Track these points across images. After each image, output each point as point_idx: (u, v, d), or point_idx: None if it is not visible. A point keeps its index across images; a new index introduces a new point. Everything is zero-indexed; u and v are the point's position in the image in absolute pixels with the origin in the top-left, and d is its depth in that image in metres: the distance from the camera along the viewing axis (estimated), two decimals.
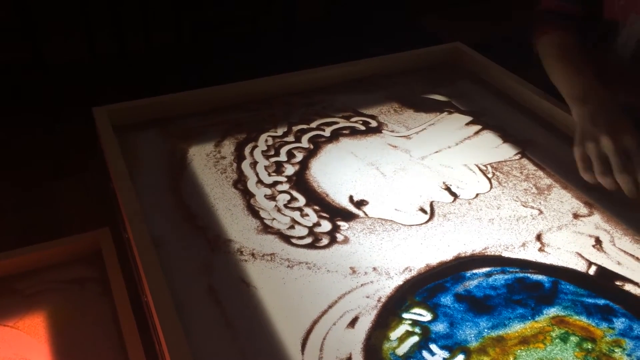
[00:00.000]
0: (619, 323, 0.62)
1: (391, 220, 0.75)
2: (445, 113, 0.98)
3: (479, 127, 0.94)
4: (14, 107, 1.90)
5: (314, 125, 0.94)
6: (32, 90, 2.06)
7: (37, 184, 1.44)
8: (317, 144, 0.90)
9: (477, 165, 0.85)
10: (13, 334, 0.75)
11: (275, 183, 0.82)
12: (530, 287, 0.66)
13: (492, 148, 0.89)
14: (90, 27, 2.23)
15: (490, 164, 0.86)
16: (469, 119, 0.96)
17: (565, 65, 0.90)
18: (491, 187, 0.81)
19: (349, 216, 0.76)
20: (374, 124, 0.95)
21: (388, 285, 0.66)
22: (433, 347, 0.59)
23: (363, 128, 0.94)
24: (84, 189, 1.32)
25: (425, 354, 0.58)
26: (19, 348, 0.73)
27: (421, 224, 0.75)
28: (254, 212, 0.76)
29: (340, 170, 0.84)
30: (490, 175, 0.84)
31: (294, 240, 0.72)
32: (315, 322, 0.61)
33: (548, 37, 0.96)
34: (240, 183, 0.82)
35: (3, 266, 0.82)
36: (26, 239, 0.85)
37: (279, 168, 0.85)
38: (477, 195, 0.80)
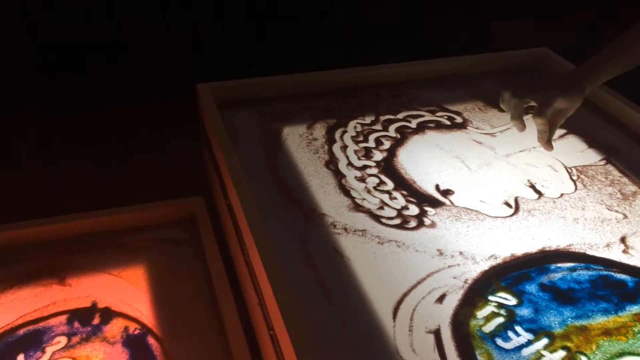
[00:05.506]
0: None
1: (477, 211, 0.78)
2: (530, 115, 1.00)
3: (564, 130, 0.95)
4: (94, 87, 1.99)
5: (400, 116, 0.98)
6: (109, 71, 2.14)
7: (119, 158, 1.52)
8: (404, 134, 0.94)
9: (562, 167, 0.87)
10: (117, 282, 0.82)
11: (365, 167, 0.86)
12: (613, 285, 0.68)
13: (577, 152, 0.91)
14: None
15: (575, 167, 0.88)
16: None
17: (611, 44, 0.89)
18: (576, 189, 0.83)
19: (435, 203, 0.80)
20: (459, 119, 0.98)
21: (474, 269, 0.69)
22: (518, 328, 0.62)
23: (448, 123, 0.97)
24: (175, 160, 1.36)
25: (510, 334, 0.61)
26: (123, 294, 0.80)
27: (506, 216, 0.78)
28: (345, 191, 0.81)
29: (427, 161, 0.88)
30: (575, 178, 0.85)
31: (383, 220, 0.76)
32: (405, 295, 0.65)
33: None
34: (331, 164, 0.86)
35: (109, 222, 0.90)
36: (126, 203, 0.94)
37: (367, 153, 0.89)
38: (561, 195, 0.82)
